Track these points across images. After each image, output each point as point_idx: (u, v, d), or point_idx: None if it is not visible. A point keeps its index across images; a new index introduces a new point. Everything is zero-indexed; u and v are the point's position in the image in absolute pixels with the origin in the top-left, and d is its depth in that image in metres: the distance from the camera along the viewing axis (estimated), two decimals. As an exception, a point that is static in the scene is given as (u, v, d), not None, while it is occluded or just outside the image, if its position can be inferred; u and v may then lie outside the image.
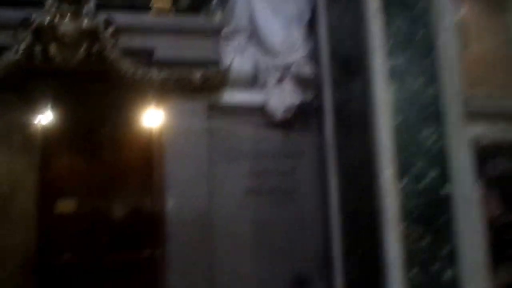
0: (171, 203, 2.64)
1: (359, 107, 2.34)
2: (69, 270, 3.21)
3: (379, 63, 2.21)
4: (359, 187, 2.39)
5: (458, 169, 2.19)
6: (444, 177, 2.17)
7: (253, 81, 2.85)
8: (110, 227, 3.18)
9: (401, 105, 2.20)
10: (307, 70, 2.81)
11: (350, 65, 2.45)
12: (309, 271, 2.74)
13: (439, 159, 2.18)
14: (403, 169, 2.15)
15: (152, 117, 2.74)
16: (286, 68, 2.83)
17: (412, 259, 2.09)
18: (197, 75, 2.54)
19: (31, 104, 2.73)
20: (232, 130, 2.81)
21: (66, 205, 3.27)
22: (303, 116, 2.87)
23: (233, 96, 2.79)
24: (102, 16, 2.38)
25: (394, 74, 2.21)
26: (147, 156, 2.87)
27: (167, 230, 2.61)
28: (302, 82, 2.83)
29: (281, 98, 2.80)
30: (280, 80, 2.82)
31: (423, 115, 2.20)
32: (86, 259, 3.25)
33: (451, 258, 2.11)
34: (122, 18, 2.50)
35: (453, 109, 2.23)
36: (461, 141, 2.22)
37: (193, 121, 2.68)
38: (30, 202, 3.14)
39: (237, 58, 2.81)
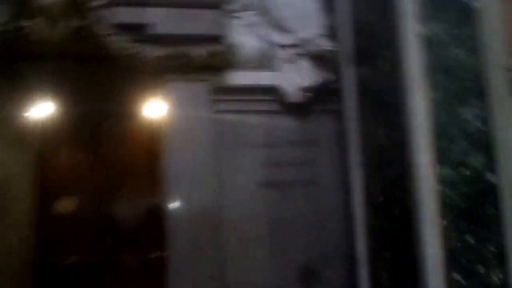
0: (174, 199, 2.36)
1: (387, 84, 2.02)
2: (72, 271, 3.02)
3: (412, 32, 1.89)
4: (387, 177, 2.07)
5: (506, 153, 1.86)
6: (489, 163, 1.85)
7: (265, 60, 2.54)
8: (110, 225, 2.93)
9: (437, 80, 1.88)
10: (325, 46, 2.50)
11: (376, 37, 2.13)
12: (326, 271, 2.44)
13: (483, 142, 1.86)
14: (441, 155, 1.83)
15: (151, 103, 2.45)
16: (302, 45, 2.51)
17: (453, 260, 1.78)
18: (201, 52, 2.23)
19: (20, 89, 2.47)
20: (241, 116, 2.51)
21: (64, 201, 3.06)
22: (322, 99, 2.56)
23: (242, 77, 2.49)
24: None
25: (429, 44, 1.88)
26: (147, 147, 2.60)
27: (170, 228, 2.33)
28: (319, 60, 2.52)
29: (296, 78, 2.49)
30: (294, 59, 2.52)
31: (463, 91, 1.88)
32: (89, 259, 3.05)
33: (499, 259, 1.80)
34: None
35: (498, 83, 1.90)
36: (509, 120, 1.89)
37: (197, 106, 2.40)
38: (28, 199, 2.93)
39: (247, 35, 2.50)
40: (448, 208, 1.80)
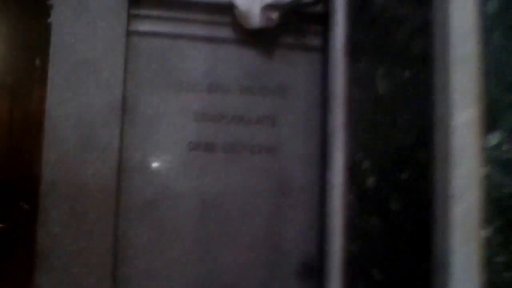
0: (54, 161, 1.52)
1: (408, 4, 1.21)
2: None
3: None
4: (389, 148, 1.30)
5: None
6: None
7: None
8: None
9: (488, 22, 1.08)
10: None
11: None
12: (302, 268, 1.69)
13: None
14: (489, 125, 1.06)
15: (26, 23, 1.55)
16: None
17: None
18: None
19: None
20: (173, 43, 1.67)
21: None
22: (296, 27, 1.74)
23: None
24: None
25: None
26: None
27: (45, 204, 1.51)
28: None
29: (259, -9, 1.65)
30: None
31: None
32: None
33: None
34: None
35: None
36: None
37: (104, 24, 1.54)
38: None
39: None
40: (494, 207, 1.05)
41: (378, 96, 1.33)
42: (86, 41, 1.55)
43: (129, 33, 1.61)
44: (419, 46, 1.17)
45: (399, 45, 1.25)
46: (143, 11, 1.63)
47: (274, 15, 1.66)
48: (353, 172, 1.49)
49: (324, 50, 1.71)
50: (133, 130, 1.62)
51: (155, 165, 1.63)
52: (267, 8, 1.65)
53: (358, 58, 1.49)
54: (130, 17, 1.61)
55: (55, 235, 1.51)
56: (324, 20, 1.68)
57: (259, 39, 1.72)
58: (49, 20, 1.56)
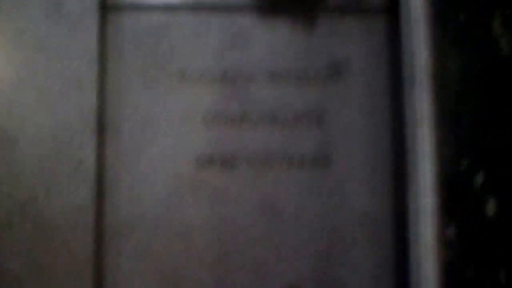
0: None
1: None
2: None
3: None
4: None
5: None
6: None
7: None
8: None
9: None
10: None
11: None
12: None
13: None
14: None
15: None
16: None
17: None
18: None
19: None
20: (165, 18, 1.18)
21: None
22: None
23: None
24: None
25: None
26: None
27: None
28: None
29: None
30: None
31: None
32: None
33: None
34: None
35: None
36: None
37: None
38: None
39: None
40: None
41: (498, 62, 0.75)
42: (43, 21, 1.10)
43: (105, 7, 1.14)
44: None
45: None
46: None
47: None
48: (456, 191, 0.91)
49: (391, 9, 1.14)
50: (115, 144, 1.14)
51: (149, 191, 1.14)
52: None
53: (451, 9, 0.91)
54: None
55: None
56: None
57: (291, 2, 1.19)
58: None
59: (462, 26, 0.86)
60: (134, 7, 1.17)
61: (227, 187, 1.16)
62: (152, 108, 1.16)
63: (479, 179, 0.82)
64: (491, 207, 0.78)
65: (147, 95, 1.16)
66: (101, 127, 1.11)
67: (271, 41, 1.19)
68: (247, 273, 1.13)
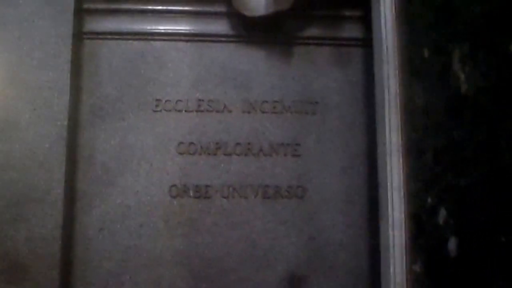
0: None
1: None
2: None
3: None
4: (497, 192, 0.71)
5: None
6: None
7: None
8: None
9: None
10: None
11: None
12: None
13: None
14: None
15: None
16: None
17: None
18: None
19: None
20: (140, 46, 1.18)
21: None
22: (320, 9, 1.20)
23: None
24: None
25: None
26: None
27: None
28: None
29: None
30: None
31: None
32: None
33: None
34: None
35: None
36: None
37: (35, 27, 1.09)
38: None
39: None
40: None
41: (459, 98, 0.75)
42: (14, 48, 1.09)
43: (79, 35, 1.14)
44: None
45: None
46: (100, 3, 1.16)
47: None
48: (421, 226, 0.90)
49: (365, 41, 1.16)
50: (87, 173, 1.12)
51: (120, 221, 1.12)
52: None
53: (418, 43, 0.92)
54: (81, 13, 1.14)
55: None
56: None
57: (268, 32, 1.20)
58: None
59: (427, 61, 0.87)
60: (109, 34, 1.16)
61: (200, 217, 1.14)
62: (126, 137, 1.14)
63: (442, 215, 0.81)
64: (453, 244, 0.78)
65: (121, 124, 1.15)
66: (71, 157, 1.10)
67: (247, 72, 1.20)
68: (219, 307, 1.10)
